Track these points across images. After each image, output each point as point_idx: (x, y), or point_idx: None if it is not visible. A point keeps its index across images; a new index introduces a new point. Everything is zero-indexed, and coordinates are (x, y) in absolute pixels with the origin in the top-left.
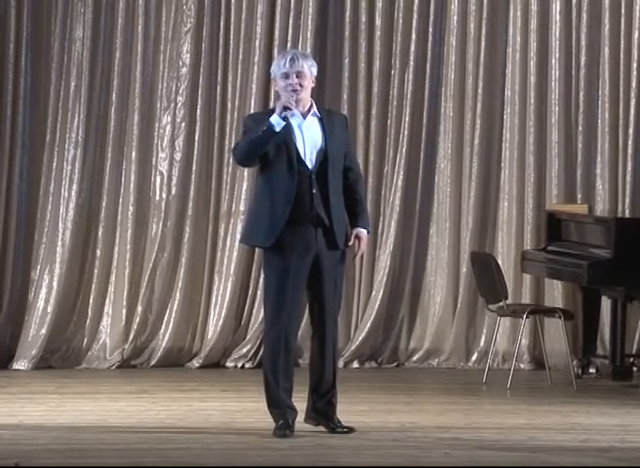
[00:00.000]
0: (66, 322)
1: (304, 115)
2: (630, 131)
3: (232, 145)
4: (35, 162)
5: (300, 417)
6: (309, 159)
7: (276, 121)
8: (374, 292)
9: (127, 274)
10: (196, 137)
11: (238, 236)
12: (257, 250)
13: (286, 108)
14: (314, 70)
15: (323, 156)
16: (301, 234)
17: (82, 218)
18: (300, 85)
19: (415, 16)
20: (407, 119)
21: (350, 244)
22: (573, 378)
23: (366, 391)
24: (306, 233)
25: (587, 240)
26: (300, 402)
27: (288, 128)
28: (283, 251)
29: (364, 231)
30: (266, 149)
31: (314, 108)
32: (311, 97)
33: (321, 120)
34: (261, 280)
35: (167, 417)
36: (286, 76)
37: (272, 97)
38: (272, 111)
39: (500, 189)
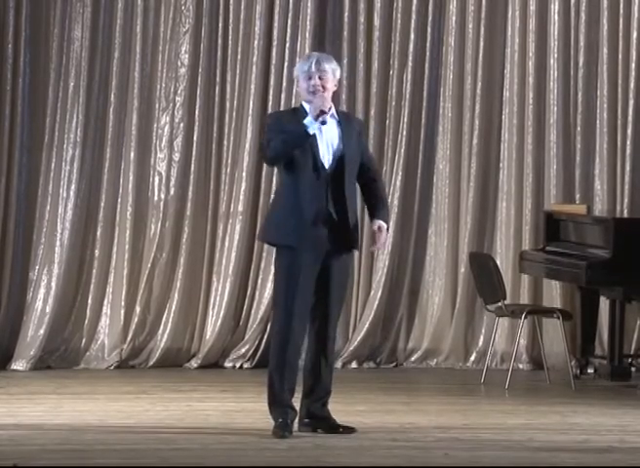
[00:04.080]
0: (65, 322)
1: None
2: (629, 131)
3: (262, 144)
4: (34, 162)
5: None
6: (327, 160)
7: (311, 124)
8: (372, 293)
9: (125, 274)
10: (195, 138)
11: (237, 236)
12: (255, 250)
13: (322, 112)
14: (337, 73)
15: (339, 158)
16: (314, 234)
17: (80, 219)
18: (323, 87)
19: (413, 16)
20: (405, 119)
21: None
22: (571, 379)
23: (364, 391)
24: (318, 233)
25: (586, 240)
26: (296, 403)
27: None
28: (297, 249)
29: (383, 223)
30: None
31: (333, 111)
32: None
33: (339, 123)
34: (260, 279)
35: (165, 418)
36: (309, 77)
37: (271, 96)
38: (294, 110)
39: (498, 189)
